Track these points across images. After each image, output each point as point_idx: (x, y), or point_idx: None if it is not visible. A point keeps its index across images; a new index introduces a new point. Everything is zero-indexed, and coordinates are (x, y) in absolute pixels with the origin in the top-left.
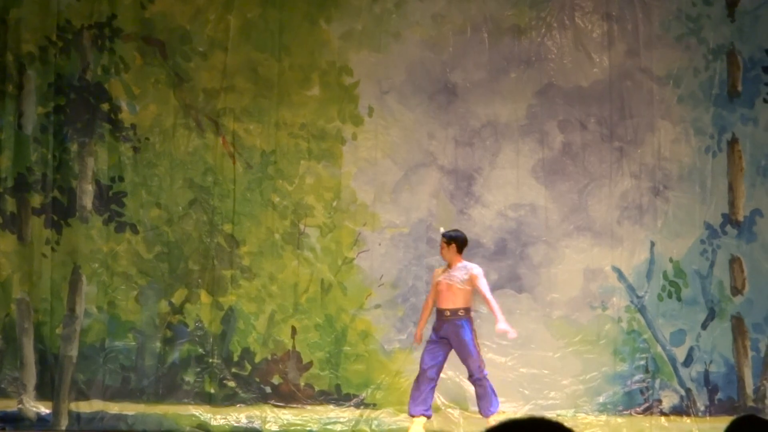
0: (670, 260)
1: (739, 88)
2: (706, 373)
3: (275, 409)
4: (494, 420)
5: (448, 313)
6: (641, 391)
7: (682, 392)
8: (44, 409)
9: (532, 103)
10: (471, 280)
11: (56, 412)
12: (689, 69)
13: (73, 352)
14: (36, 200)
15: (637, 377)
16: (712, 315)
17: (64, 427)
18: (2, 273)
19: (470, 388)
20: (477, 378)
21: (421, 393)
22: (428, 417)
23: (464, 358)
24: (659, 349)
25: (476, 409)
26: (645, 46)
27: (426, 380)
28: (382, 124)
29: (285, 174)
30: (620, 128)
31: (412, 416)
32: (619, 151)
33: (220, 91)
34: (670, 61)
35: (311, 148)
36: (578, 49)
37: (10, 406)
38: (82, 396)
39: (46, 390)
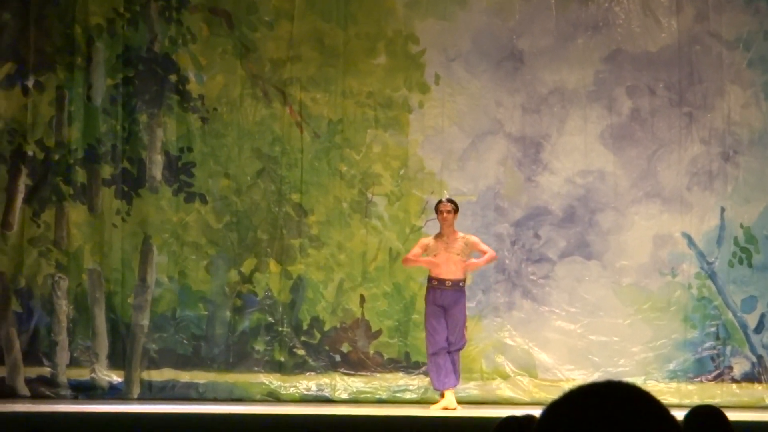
0: (741, 226)
1: None
2: None
3: (345, 377)
4: (449, 393)
5: (449, 283)
6: (712, 358)
7: (754, 359)
8: (116, 377)
9: (600, 69)
10: (472, 247)
11: (128, 381)
12: (759, 32)
13: (145, 321)
14: (106, 171)
15: (707, 344)
16: None
17: (135, 396)
18: (74, 244)
19: (540, 356)
20: (457, 349)
21: (445, 367)
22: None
23: (455, 327)
24: (730, 315)
25: (546, 376)
26: (714, 10)
27: (444, 353)
28: (449, 92)
29: (352, 143)
30: (689, 93)
31: (445, 390)
32: (688, 116)
33: (286, 61)
34: (740, 25)
35: (378, 116)
36: (646, 14)
37: (83, 375)
38: (154, 365)
39: (117, 359)
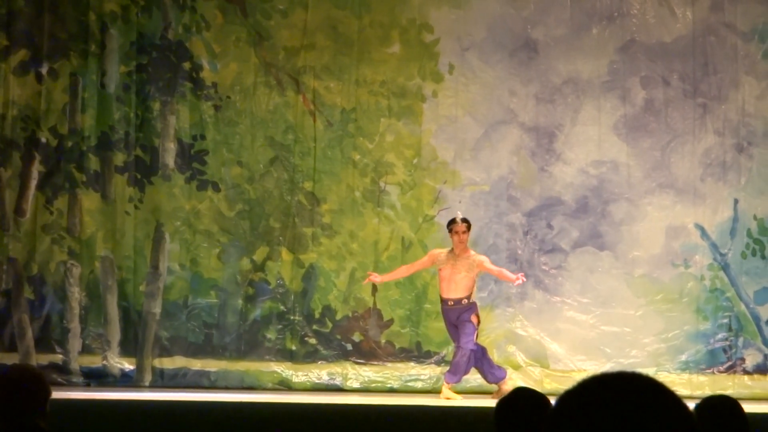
0: (754, 218)
1: None
2: None
3: (356, 366)
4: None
5: (451, 303)
6: (724, 350)
7: (766, 351)
8: (128, 365)
9: (614, 60)
10: (479, 267)
11: (140, 368)
12: None
13: (157, 309)
14: (119, 159)
15: (720, 336)
16: None
17: (147, 383)
18: (86, 231)
19: (551, 346)
20: (459, 347)
21: (458, 365)
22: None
23: (461, 333)
24: (743, 307)
25: (557, 366)
26: (729, 1)
27: (460, 354)
28: (463, 81)
29: (365, 131)
30: (704, 84)
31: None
32: (702, 107)
33: (300, 49)
34: (755, 16)
35: (391, 105)
36: (661, 5)
37: (94, 362)
38: (166, 352)
39: (129, 346)
